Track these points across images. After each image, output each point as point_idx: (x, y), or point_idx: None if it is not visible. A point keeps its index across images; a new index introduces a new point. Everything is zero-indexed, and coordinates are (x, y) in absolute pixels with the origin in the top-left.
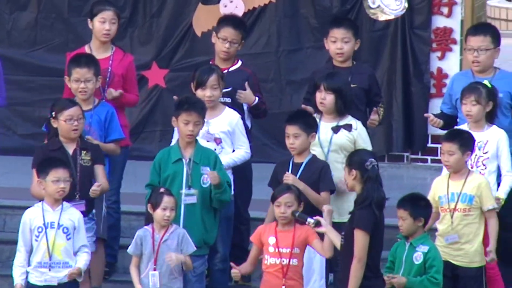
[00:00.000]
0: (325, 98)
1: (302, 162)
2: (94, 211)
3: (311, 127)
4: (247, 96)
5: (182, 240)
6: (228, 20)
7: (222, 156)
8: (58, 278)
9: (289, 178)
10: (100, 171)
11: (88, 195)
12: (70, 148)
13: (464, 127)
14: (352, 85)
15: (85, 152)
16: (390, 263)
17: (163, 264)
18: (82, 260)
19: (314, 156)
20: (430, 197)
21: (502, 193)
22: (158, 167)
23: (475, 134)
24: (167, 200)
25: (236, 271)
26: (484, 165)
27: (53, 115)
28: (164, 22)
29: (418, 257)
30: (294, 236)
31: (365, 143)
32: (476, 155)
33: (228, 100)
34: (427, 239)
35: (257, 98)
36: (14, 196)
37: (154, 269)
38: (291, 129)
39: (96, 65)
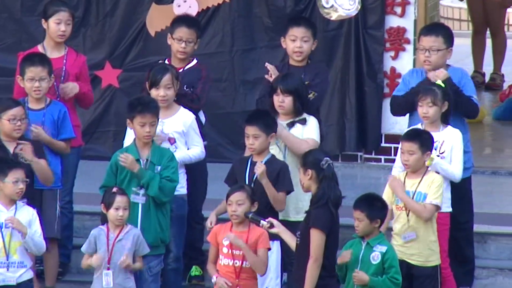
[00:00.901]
0: (283, 101)
1: (261, 162)
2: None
3: (270, 128)
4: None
5: (138, 241)
6: (181, 20)
7: (178, 152)
8: (16, 277)
9: (260, 168)
10: (42, 163)
11: (29, 193)
12: (11, 147)
13: (418, 126)
14: (306, 83)
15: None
16: (342, 263)
17: (117, 264)
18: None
19: (273, 156)
20: (385, 195)
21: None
22: (115, 168)
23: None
24: (119, 200)
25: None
26: None
27: None
28: (117, 21)
29: (375, 257)
30: (248, 238)
31: (311, 132)
32: None
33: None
34: (384, 239)
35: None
36: None
37: (108, 269)
38: (250, 130)
39: (49, 64)
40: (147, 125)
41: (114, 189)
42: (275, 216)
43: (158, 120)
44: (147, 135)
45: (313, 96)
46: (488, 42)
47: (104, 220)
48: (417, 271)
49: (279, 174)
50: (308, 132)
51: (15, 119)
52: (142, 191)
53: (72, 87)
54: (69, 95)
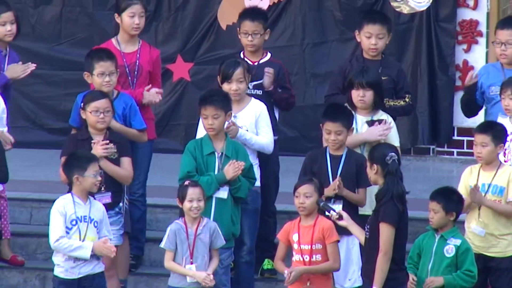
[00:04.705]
0: (364, 95)
1: (342, 155)
2: (120, 204)
3: (350, 123)
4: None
5: (213, 233)
6: (245, 13)
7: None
8: (89, 270)
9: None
10: (125, 162)
11: (113, 187)
12: (99, 139)
13: (505, 121)
14: (383, 78)
15: (111, 144)
16: (415, 254)
17: (198, 258)
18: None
19: (349, 148)
20: (460, 187)
21: None
22: (192, 156)
23: None
24: (191, 192)
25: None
26: None
27: (82, 106)
28: (189, 15)
29: (449, 250)
30: (314, 232)
31: (394, 137)
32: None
33: (259, 92)
34: (458, 233)
35: (271, 87)
36: (40, 189)
37: (191, 263)
38: (332, 126)
39: (115, 59)
40: (209, 118)
41: (186, 182)
42: (356, 211)
43: (226, 113)
44: (209, 128)
45: (409, 99)
46: None
47: (181, 214)
48: (496, 263)
49: (361, 168)
50: (390, 136)
51: (97, 111)
52: (224, 187)
53: (153, 95)
54: (153, 101)
